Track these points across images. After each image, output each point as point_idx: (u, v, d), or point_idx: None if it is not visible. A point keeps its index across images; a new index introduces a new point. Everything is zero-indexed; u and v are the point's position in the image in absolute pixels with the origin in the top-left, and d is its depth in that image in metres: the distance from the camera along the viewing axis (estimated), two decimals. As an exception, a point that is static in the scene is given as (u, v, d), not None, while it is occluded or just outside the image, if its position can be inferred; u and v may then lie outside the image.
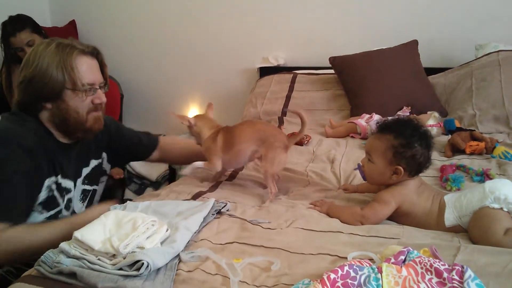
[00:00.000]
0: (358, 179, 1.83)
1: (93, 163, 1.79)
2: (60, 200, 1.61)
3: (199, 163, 1.76)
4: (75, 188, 1.70)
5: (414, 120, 1.55)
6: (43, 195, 1.54)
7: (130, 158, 2.20)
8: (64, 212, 1.64)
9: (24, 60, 1.55)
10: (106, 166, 1.88)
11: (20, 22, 2.94)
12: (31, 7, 3.83)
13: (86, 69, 1.56)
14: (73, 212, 1.69)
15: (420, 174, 1.55)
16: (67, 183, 1.64)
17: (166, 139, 2.14)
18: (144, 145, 2.03)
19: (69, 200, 1.66)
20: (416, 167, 1.47)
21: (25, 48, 2.91)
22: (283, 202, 1.65)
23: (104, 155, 1.85)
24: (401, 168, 1.45)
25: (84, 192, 1.76)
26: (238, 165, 1.92)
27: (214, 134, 1.77)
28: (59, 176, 1.59)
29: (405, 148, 1.45)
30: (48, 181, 1.55)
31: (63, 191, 1.62)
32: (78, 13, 3.95)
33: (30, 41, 2.92)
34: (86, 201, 1.77)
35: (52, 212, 1.58)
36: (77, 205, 1.72)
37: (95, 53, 1.63)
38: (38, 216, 1.55)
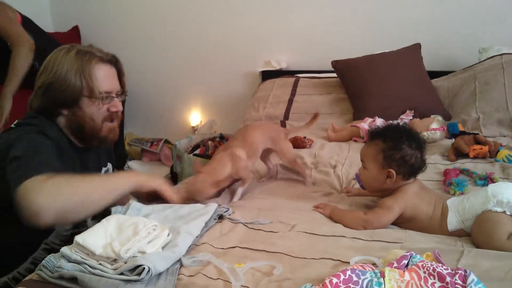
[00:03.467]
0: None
1: (104, 169, 1.79)
2: None
3: (241, 190, 1.78)
4: None
5: (403, 125, 1.59)
6: None
7: None
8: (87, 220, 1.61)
9: (43, 65, 1.56)
10: None
11: None
12: (32, 12, 3.84)
13: (104, 77, 1.57)
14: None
15: (424, 178, 1.55)
16: None
17: None
18: None
19: None
20: (409, 169, 1.47)
21: None
22: (286, 205, 1.65)
23: (110, 165, 1.85)
24: (393, 171, 1.46)
25: None
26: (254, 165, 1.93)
27: (231, 157, 1.75)
28: None
29: (393, 150, 1.47)
30: None
31: None
32: (81, 18, 3.97)
33: None
34: None
35: None
36: None
37: (113, 61, 1.64)
38: None
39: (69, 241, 1.47)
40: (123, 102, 3.58)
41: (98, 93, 1.55)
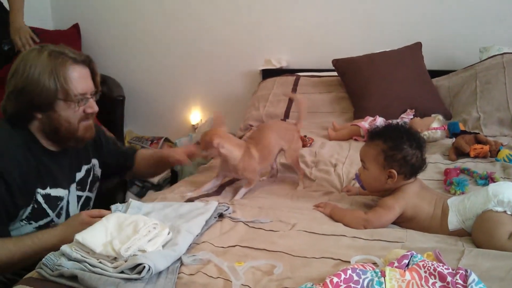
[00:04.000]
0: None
1: (84, 168, 1.75)
2: (49, 211, 1.57)
3: (244, 190, 1.78)
4: (70, 194, 1.66)
5: (402, 125, 1.59)
6: (28, 209, 1.51)
7: (117, 168, 1.99)
8: (56, 220, 1.60)
9: (13, 68, 1.50)
10: (98, 171, 1.84)
11: None
12: (32, 10, 3.83)
13: (78, 79, 1.52)
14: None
15: (424, 178, 1.54)
16: (59, 191, 1.60)
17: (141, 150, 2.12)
18: (126, 153, 2.02)
19: (61, 208, 1.62)
20: (410, 168, 1.48)
21: None
22: (287, 204, 1.65)
23: (95, 161, 1.81)
24: (394, 171, 1.46)
25: (78, 198, 1.71)
26: (267, 168, 1.97)
27: (247, 152, 1.77)
28: (47, 188, 1.56)
29: (394, 150, 1.47)
30: (37, 195, 1.52)
31: (54, 200, 1.59)
32: (81, 16, 3.96)
33: None
34: (79, 207, 1.72)
35: (41, 222, 1.56)
36: (74, 211, 1.68)
37: (87, 62, 1.59)
38: (28, 226, 1.53)
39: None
40: (122, 101, 3.59)
41: (73, 96, 1.51)
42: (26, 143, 1.52)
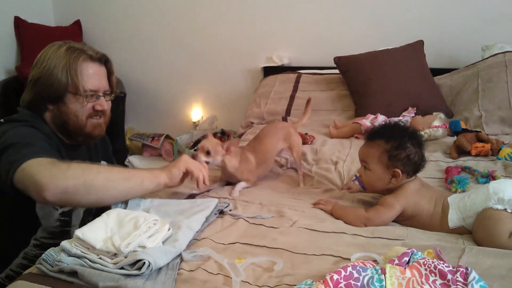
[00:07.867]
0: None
1: None
2: None
3: (243, 184, 1.80)
4: None
5: (400, 123, 1.59)
6: None
7: None
8: (75, 211, 1.60)
9: (35, 60, 1.57)
10: None
11: None
12: (34, 6, 3.85)
13: (91, 75, 1.57)
14: (82, 217, 1.65)
15: (425, 176, 1.53)
16: None
17: None
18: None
19: None
20: (412, 166, 1.48)
21: None
22: (288, 201, 1.64)
23: (104, 162, 1.82)
24: (398, 170, 1.46)
25: None
26: (267, 170, 1.97)
27: (243, 158, 1.82)
28: None
29: (399, 149, 1.47)
30: None
31: None
32: (83, 13, 3.97)
33: None
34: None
35: (65, 209, 1.56)
36: (79, 211, 1.65)
37: (103, 60, 1.63)
38: (54, 211, 1.54)
39: (58, 236, 1.48)
40: (123, 98, 3.58)
41: (82, 91, 1.55)
42: (46, 132, 1.55)
